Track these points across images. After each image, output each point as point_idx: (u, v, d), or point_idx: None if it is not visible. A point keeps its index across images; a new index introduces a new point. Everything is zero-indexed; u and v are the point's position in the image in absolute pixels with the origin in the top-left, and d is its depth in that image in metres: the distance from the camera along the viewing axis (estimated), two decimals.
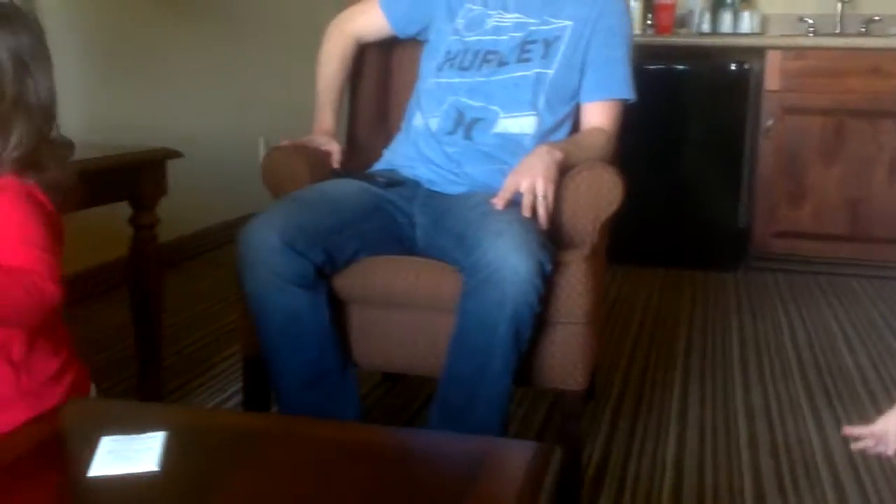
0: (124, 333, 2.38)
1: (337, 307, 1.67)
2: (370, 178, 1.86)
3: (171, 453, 0.87)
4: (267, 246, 1.57)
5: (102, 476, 0.83)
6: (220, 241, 3.66)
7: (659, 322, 2.86)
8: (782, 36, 3.71)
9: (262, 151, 4.11)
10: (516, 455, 0.93)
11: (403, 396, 2.20)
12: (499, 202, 1.63)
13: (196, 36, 3.55)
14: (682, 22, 3.87)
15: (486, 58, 1.86)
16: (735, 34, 3.74)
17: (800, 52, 3.43)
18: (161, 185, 2.02)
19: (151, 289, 2.05)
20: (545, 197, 1.63)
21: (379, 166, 1.96)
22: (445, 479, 0.89)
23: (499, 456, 0.92)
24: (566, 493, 1.64)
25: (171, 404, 2.00)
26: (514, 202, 1.64)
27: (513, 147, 1.79)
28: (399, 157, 1.93)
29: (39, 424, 0.93)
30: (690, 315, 2.95)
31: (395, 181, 1.86)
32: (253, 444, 0.92)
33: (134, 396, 2.05)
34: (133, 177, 1.95)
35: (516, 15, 1.88)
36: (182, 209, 2.02)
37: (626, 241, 2.70)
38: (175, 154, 2.03)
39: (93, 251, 2.84)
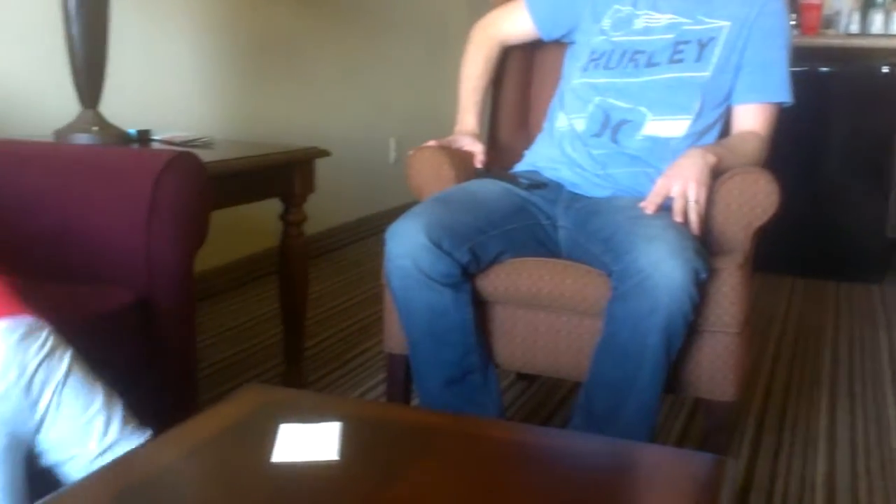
0: (272, 322, 2.49)
1: (479, 307, 1.69)
2: (513, 180, 1.87)
3: (348, 443, 0.89)
4: (414, 244, 1.59)
5: (286, 462, 0.87)
6: (352, 238, 3.76)
7: (801, 334, 2.75)
8: None
9: (392, 151, 4.19)
10: (692, 466, 0.91)
11: (538, 397, 2.19)
12: (649, 206, 1.61)
13: (333, 40, 3.65)
14: (829, 23, 3.71)
15: (634, 58, 1.83)
16: (887, 35, 3.55)
17: None
18: (310, 183, 2.09)
19: (298, 283, 2.12)
20: (697, 202, 1.59)
21: (521, 167, 1.96)
22: (619, 488, 0.88)
23: (673, 466, 0.91)
24: None
25: (344, 397, 2.06)
26: (664, 207, 1.61)
27: (661, 150, 1.76)
28: (541, 158, 1.93)
29: (224, 408, 0.98)
30: (834, 327, 2.82)
31: (537, 183, 1.86)
32: (425, 438, 0.94)
33: (280, 384, 2.13)
34: (285, 175, 2.03)
35: (668, 15, 1.84)
36: (316, 206, 2.09)
37: (765, 247, 2.61)
38: (323, 153, 2.10)
39: (244, 243, 2.97)
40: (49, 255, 1.46)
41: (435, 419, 1.03)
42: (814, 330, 2.78)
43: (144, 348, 1.47)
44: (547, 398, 2.18)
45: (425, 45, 4.31)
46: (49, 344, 1.07)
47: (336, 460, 0.86)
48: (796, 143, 3.26)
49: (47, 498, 0.85)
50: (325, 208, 3.43)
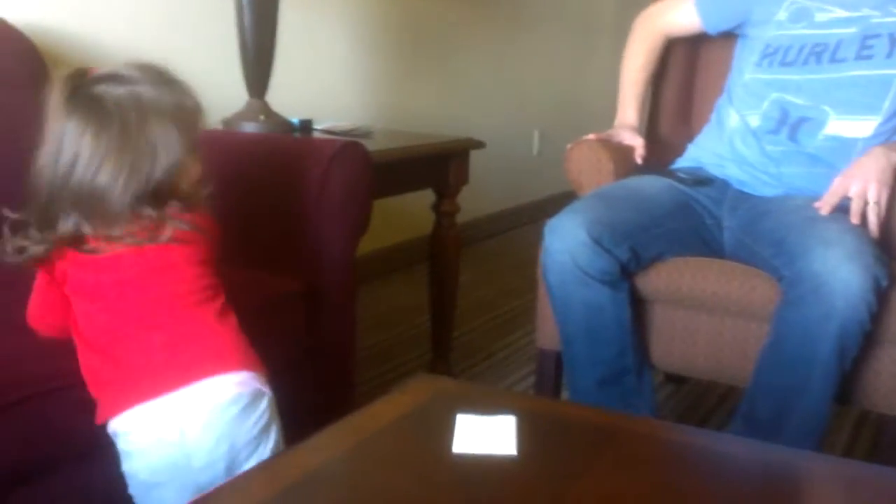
0: (418, 312, 2.52)
1: (637, 306, 1.65)
2: (675, 176, 1.82)
3: (524, 438, 0.89)
4: (574, 240, 1.57)
5: (466, 454, 0.87)
6: (496, 229, 3.76)
7: None
8: None
9: (536, 143, 4.17)
10: (882, 482, 0.86)
11: (689, 399, 2.14)
12: (824, 207, 1.53)
13: (482, 32, 3.67)
14: None
15: (815, 51, 1.73)
16: None
17: None
18: (464, 174, 2.10)
19: (449, 272, 2.14)
20: (878, 203, 1.50)
21: (683, 163, 1.90)
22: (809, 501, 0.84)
23: (862, 481, 0.86)
24: None
25: (517, 391, 2.08)
26: (841, 208, 1.52)
27: (844, 151, 1.66)
28: (707, 154, 1.86)
29: (399, 396, 1.00)
30: None
31: (701, 180, 1.80)
32: (601, 436, 0.93)
33: (427, 373, 2.16)
34: (441, 165, 2.05)
35: (853, 6, 1.74)
36: (463, 196, 2.11)
37: None
38: (479, 144, 2.11)
39: (395, 231, 3.03)
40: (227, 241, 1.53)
41: (609, 418, 1.02)
42: None
43: (307, 336, 1.52)
44: (699, 401, 2.12)
45: (570, 39, 4.27)
46: (266, 416, 1.07)
47: (514, 455, 0.86)
48: None
49: (219, 485, 0.88)
50: (472, 199, 3.46)
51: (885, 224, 1.52)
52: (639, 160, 1.89)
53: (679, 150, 1.96)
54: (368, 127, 2.22)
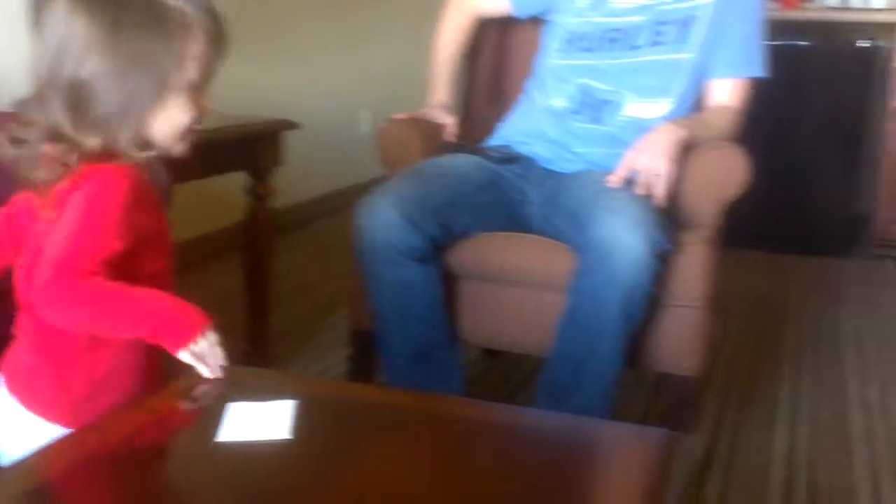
0: (234, 299, 2.45)
1: (447, 282, 1.67)
2: (485, 154, 1.85)
3: (302, 422, 0.88)
4: (386, 219, 1.58)
5: (231, 442, 0.85)
6: (320, 212, 3.71)
7: (767, 309, 2.77)
8: None
9: (364, 123, 4.14)
10: (644, 442, 0.90)
11: (503, 372, 2.19)
12: (614, 179, 1.60)
13: (312, 10, 3.59)
14: None
15: (612, 37, 1.81)
16: (866, 9, 3.54)
17: None
18: (277, 156, 2.05)
19: (264, 258, 2.09)
20: (664, 175, 1.58)
21: (493, 141, 1.94)
22: (576, 463, 0.87)
23: (625, 443, 0.90)
24: None
25: (299, 373, 2.04)
26: (632, 181, 1.60)
27: (641, 131, 1.73)
28: (515, 132, 1.91)
29: (170, 388, 0.96)
30: (801, 303, 2.84)
31: (509, 157, 1.84)
32: (381, 416, 0.93)
33: (243, 362, 2.11)
34: (252, 147, 1.99)
35: None
36: (284, 179, 2.06)
37: (734, 222, 2.61)
38: (291, 125, 2.06)
39: (209, 218, 2.92)
40: None
41: (391, 396, 1.03)
42: (780, 305, 2.80)
43: None
44: (512, 374, 2.18)
45: (404, 16, 4.25)
46: None
47: (287, 439, 0.85)
48: (771, 117, 3.25)
49: None
50: (296, 181, 3.40)
51: (672, 195, 1.61)
52: (450, 139, 1.91)
53: (492, 129, 2.00)
54: None
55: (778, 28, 3.43)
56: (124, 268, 0.97)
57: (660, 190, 1.57)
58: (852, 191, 3.45)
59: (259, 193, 2.05)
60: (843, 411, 2.03)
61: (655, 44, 1.78)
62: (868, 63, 3.32)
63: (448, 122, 1.93)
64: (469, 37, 2.05)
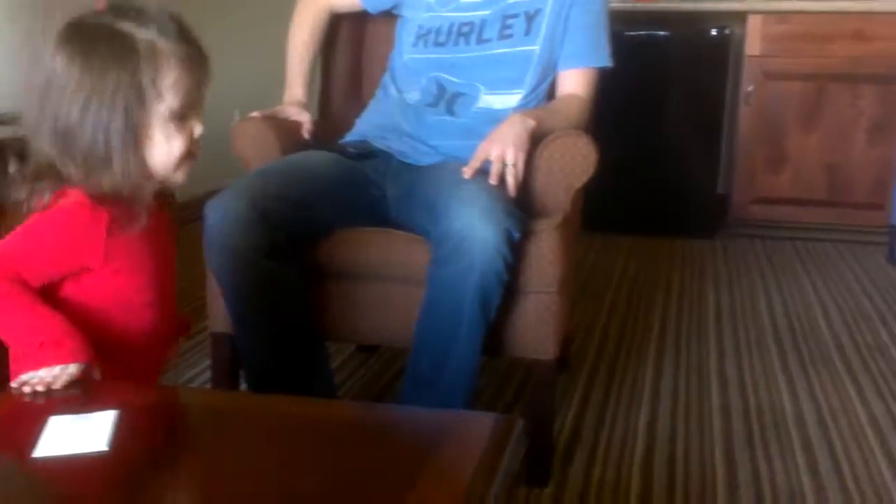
0: None
1: (308, 280, 1.65)
2: (341, 150, 1.84)
3: (122, 432, 0.85)
4: (238, 218, 1.54)
5: (48, 457, 0.82)
6: (188, 217, 3.61)
7: (635, 291, 2.86)
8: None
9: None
10: (476, 428, 0.92)
11: (376, 368, 2.19)
12: (468, 171, 1.62)
13: (178, 9, 3.48)
14: None
15: (462, 31, 1.83)
16: None
17: (782, 16, 3.41)
18: None
19: None
20: (514, 165, 1.61)
21: (350, 137, 1.93)
22: (403, 454, 0.88)
23: (459, 429, 0.91)
24: (537, 462, 1.64)
25: (123, 382, 1.98)
26: (485, 171, 1.62)
27: (495, 122, 1.76)
28: (371, 128, 1.91)
29: None
30: (667, 283, 2.95)
31: (366, 153, 1.84)
32: (209, 421, 0.91)
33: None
34: None
35: None
36: None
37: (602, 208, 2.69)
38: None
39: None
40: None
41: (223, 401, 1.01)
42: (648, 287, 2.90)
43: None
44: (385, 369, 2.19)
45: (269, 14, 4.18)
46: None
47: (105, 451, 0.82)
48: (632, 105, 3.38)
49: None
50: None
51: (522, 184, 1.63)
52: (306, 135, 1.89)
53: (350, 125, 1.99)
54: (16, 111, 2.02)
55: (637, 18, 3.58)
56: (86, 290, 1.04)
57: (511, 179, 1.60)
58: (713, 173, 3.61)
59: None
60: (702, 385, 2.12)
61: (504, 37, 1.81)
62: (723, 50, 3.48)
63: (304, 119, 1.90)
64: (322, 33, 2.03)
